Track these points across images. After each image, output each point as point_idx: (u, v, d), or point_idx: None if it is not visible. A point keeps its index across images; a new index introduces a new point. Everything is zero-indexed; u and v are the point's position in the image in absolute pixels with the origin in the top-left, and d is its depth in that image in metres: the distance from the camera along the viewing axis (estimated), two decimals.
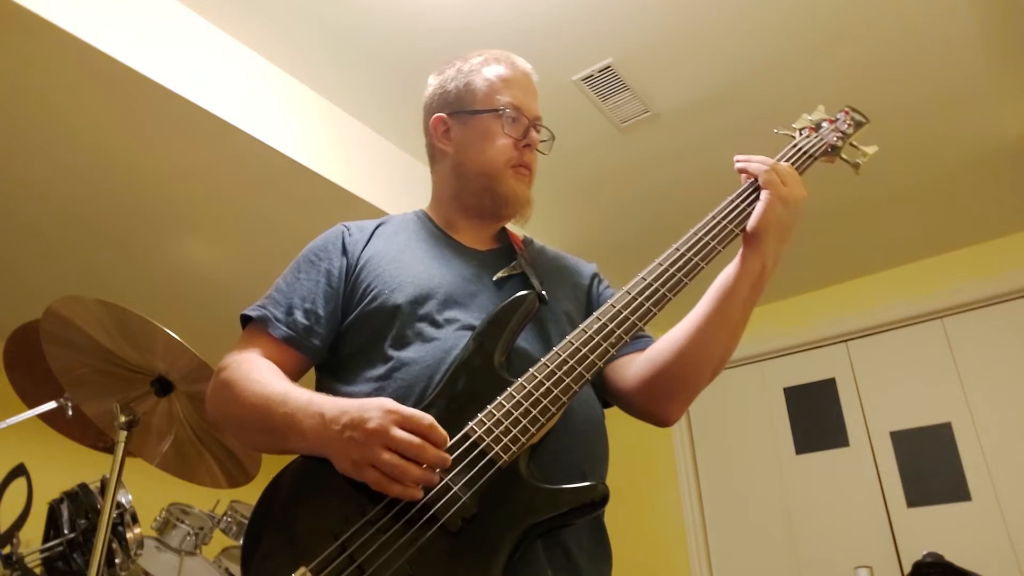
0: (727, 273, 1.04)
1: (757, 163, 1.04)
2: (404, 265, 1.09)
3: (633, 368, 1.10)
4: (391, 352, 1.01)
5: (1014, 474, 3.01)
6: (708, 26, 2.31)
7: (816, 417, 3.59)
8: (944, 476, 3.16)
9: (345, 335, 1.07)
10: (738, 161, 1.07)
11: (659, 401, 1.08)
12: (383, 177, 2.78)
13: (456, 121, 1.19)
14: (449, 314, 1.03)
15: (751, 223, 1.01)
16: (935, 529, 3.10)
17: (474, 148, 1.17)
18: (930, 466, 3.21)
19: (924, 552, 2.38)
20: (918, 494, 3.20)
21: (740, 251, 1.04)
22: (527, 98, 1.19)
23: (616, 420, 1.14)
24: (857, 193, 3.00)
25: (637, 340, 1.14)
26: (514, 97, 1.17)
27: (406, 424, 0.83)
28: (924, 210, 3.17)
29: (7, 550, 1.93)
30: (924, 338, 3.42)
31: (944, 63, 2.42)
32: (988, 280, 3.29)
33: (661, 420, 1.10)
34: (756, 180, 1.04)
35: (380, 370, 1.00)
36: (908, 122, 2.67)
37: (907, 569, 2.63)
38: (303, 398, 0.91)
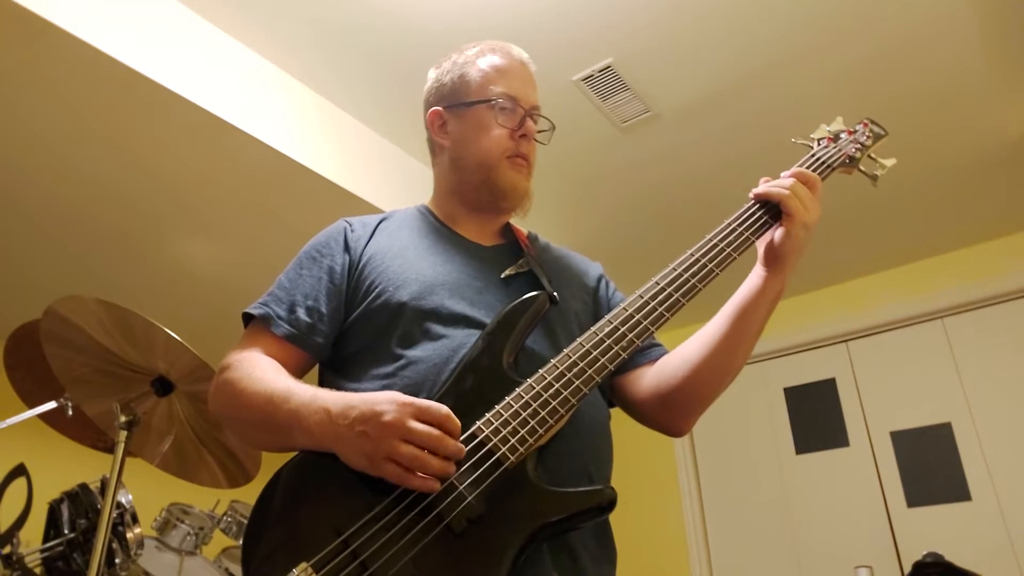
0: (745, 293, 1.04)
1: (778, 188, 1.02)
2: (408, 261, 1.08)
3: (646, 381, 1.10)
4: (398, 350, 1.00)
5: (1014, 474, 3.01)
6: (708, 26, 2.31)
7: (816, 417, 3.59)
8: (944, 476, 3.16)
9: (349, 332, 1.06)
10: (757, 192, 1.05)
11: (673, 414, 1.09)
12: (381, 176, 2.78)
13: (452, 114, 1.18)
14: (457, 311, 1.02)
15: (776, 249, 1.01)
16: (935, 529, 3.10)
17: (470, 140, 1.15)
18: (930, 466, 3.21)
19: (924, 552, 2.38)
20: (918, 494, 3.20)
21: (758, 272, 1.04)
22: (523, 87, 1.17)
23: (617, 420, 1.14)
24: (857, 193, 2.99)
25: (649, 349, 1.15)
26: (509, 87, 1.15)
27: (423, 416, 0.82)
28: (924, 210, 3.17)
29: (7, 550, 1.92)
30: (924, 338, 3.42)
31: (944, 63, 2.42)
32: (988, 280, 3.29)
33: (674, 432, 1.11)
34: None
35: (387, 367, 0.99)
36: (908, 122, 2.67)
37: (907, 569, 2.63)
38: (307, 394, 0.91)
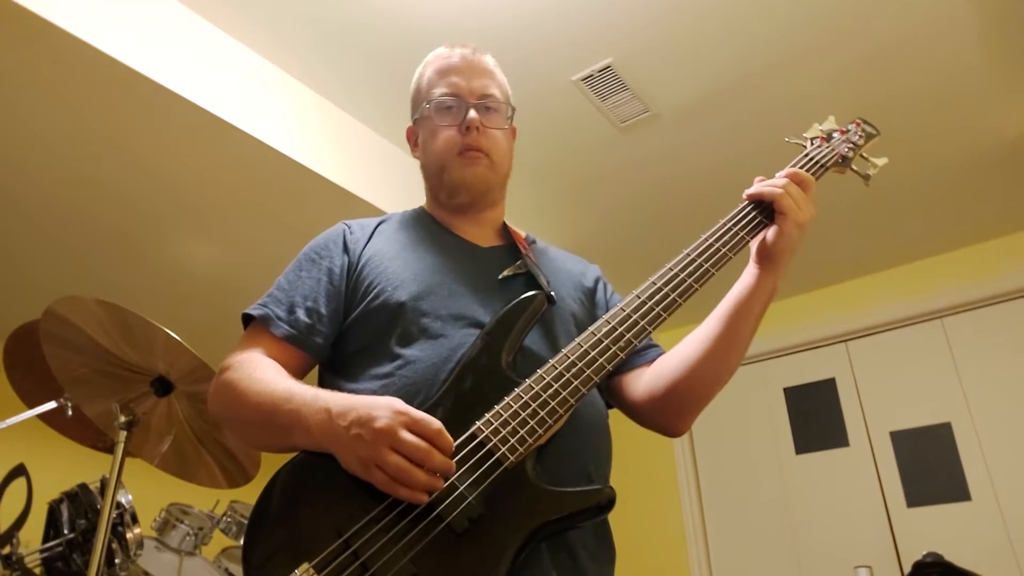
0: (738, 293, 1.04)
1: (771, 187, 1.03)
2: (406, 262, 1.09)
3: (643, 382, 1.11)
4: (397, 349, 1.00)
5: (1014, 474, 3.02)
6: (708, 26, 2.31)
7: (816, 417, 3.59)
8: (944, 476, 3.16)
9: (348, 333, 1.07)
10: (750, 192, 1.06)
11: (670, 415, 1.10)
12: (381, 176, 2.78)
13: (418, 127, 1.22)
14: (455, 311, 1.02)
15: (769, 247, 1.02)
16: (935, 529, 3.10)
17: (427, 148, 1.19)
18: (930, 466, 3.21)
19: (924, 552, 2.38)
20: (918, 494, 3.20)
21: (751, 270, 1.04)
22: (466, 80, 1.16)
23: (616, 420, 1.14)
24: (857, 193, 3.00)
25: (646, 351, 1.15)
26: (449, 85, 1.16)
27: (414, 427, 0.82)
28: (924, 210, 3.17)
29: (7, 550, 1.93)
30: (924, 338, 3.43)
31: (944, 63, 2.42)
32: (988, 280, 3.29)
33: (672, 432, 1.12)
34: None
35: (386, 367, 0.99)
36: (907, 122, 2.67)
37: (907, 569, 2.63)
38: (308, 394, 0.91)
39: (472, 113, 1.13)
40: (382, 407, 0.84)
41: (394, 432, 0.81)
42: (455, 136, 1.13)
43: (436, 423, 0.83)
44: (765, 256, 1.03)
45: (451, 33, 2.30)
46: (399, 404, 0.84)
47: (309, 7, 2.27)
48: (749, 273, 1.04)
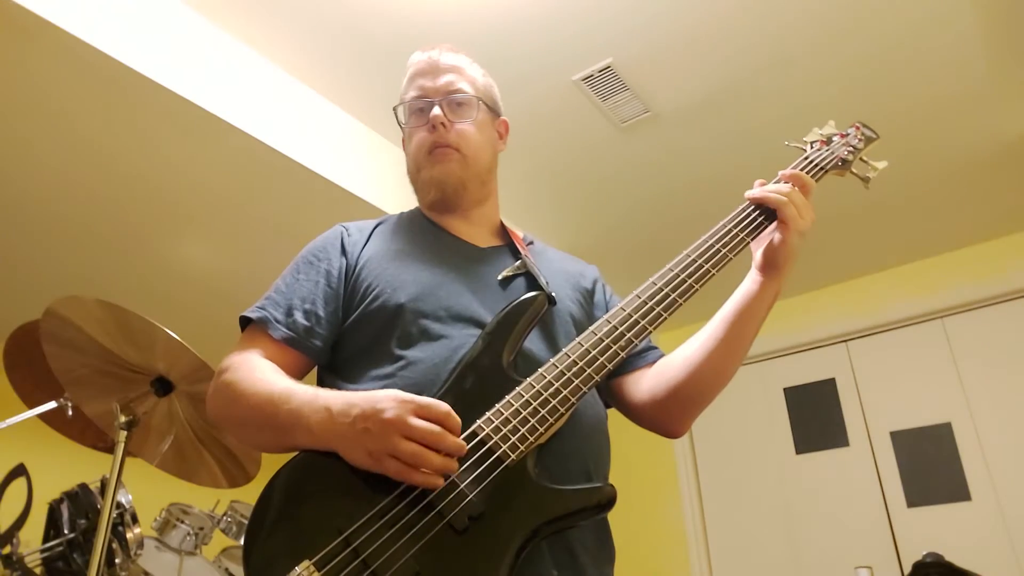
0: (741, 298, 1.05)
1: (774, 195, 1.03)
2: (405, 264, 1.09)
3: (644, 385, 1.12)
4: (397, 350, 1.00)
5: (1014, 474, 3.02)
6: (708, 26, 2.31)
7: (816, 417, 3.60)
8: (944, 476, 3.16)
9: (347, 335, 1.07)
10: (753, 196, 1.06)
11: (671, 417, 1.11)
12: (382, 176, 2.78)
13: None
14: (455, 312, 1.03)
15: (772, 257, 1.03)
16: (935, 529, 3.10)
17: (407, 153, 1.21)
18: (930, 466, 3.21)
19: (924, 552, 2.38)
20: (918, 494, 3.21)
21: (754, 277, 1.05)
22: (430, 80, 1.18)
23: (617, 420, 1.15)
24: (857, 194, 2.99)
25: (647, 352, 1.16)
26: (417, 88, 1.18)
27: (423, 412, 0.83)
28: (924, 210, 3.17)
29: (7, 550, 1.93)
30: (924, 338, 3.43)
31: (945, 64, 2.43)
32: (988, 280, 3.29)
33: (672, 433, 1.13)
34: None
35: (386, 368, 0.99)
36: (909, 123, 2.67)
37: (907, 569, 2.63)
38: (307, 394, 0.91)
39: (435, 110, 1.14)
40: (386, 399, 0.84)
41: (404, 420, 0.82)
42: (426, 136, 1.15)
43: (444, 405, 0.84)
44: (768, 265, 1.04)
45: (451, 33, 2.30)
46: (401, 394, 0.85)
47: (310, 5, 2.27)
48: (752, 280, 1.05)
